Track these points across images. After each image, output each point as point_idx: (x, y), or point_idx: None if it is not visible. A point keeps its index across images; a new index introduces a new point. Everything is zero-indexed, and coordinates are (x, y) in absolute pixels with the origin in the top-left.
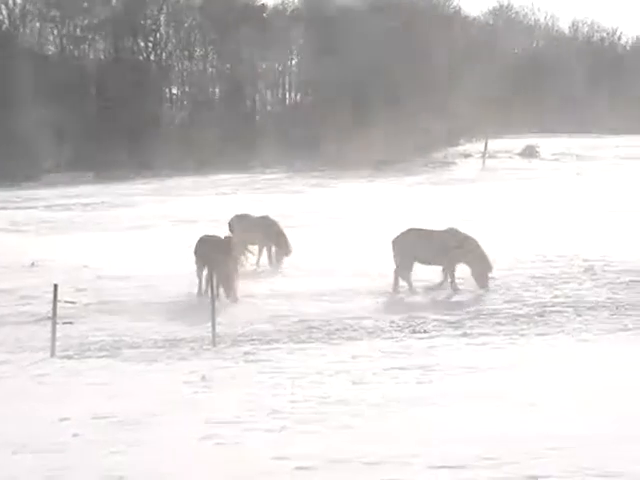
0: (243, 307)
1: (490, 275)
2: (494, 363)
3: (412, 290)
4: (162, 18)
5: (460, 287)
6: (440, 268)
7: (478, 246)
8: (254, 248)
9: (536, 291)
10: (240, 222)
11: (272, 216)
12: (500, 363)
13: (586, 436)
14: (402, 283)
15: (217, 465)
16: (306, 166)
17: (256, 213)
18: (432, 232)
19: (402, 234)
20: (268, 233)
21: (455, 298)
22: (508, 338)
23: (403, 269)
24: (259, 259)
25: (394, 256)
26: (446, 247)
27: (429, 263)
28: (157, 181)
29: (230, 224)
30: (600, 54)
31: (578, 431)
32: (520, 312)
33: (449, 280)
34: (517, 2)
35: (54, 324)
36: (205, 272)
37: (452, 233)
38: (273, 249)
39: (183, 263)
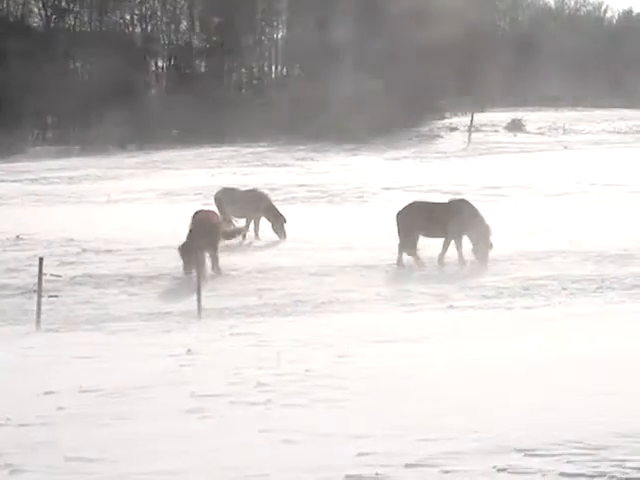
0: (229, 280)
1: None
2: (480, 335)
3: (419, 264)
4: None
5: (446, 260)
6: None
7: (483, 221)
8: (241, 221)
9: (522, 265)
10: (227, 195)
11: (260, 189)
12: (486, 335)
13: (572, 408)
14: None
15: (202, 438)
16: (291, 139)
17: (242, 186)
18: (436, 204)
19: (406, 207)
20: (257, 207)
21: (441, 271)
22: (494, 311)
23: (408, 243)
24: (245, 233)
25: (398, 230)
26: (449, 219)
27: (433, 236)
28: (142, 154)
29: (217, 197)
30: (586, 28)
31: (564, 404)
32: (506, 285)
33: (442, 252)
34: None
35: (39, 297)
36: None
37: (456, 206)
38: (261, 223)
39: (169, 236)
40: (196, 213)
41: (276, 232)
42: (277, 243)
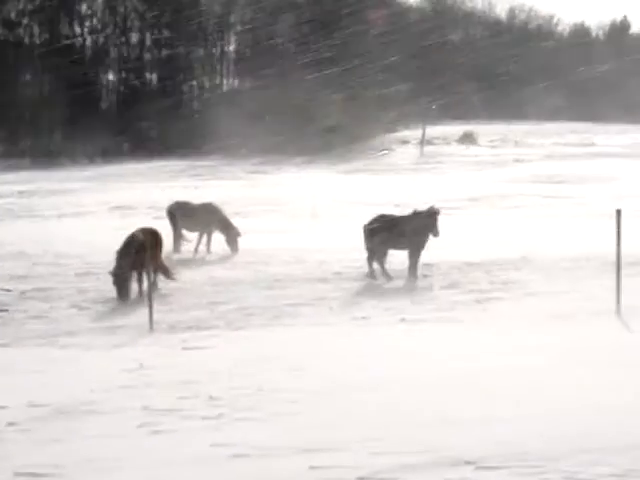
0: (181, 294)
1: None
2: (432, 349)
3: (386, 276)
4: (99, 2)
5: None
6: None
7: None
8: (193, 235)
9: (473, 277)
10: (181, 209)
11: (214, 202)
12: (439, 349)
13: (523, 421)
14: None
15: (154, 453)
16: (243, 153)
17: (194, 200)
18: (400, 217)
19: (372, 220)
20: (211, 220)
21: (393, 284)
22: (446, 324)
23: (376, 255)
24: (197, 246)
25: (365, 242)
26: (413, 231)
27: (398, 248)
28: (93, 168)
29: (170, 211)
30: (537, 41)
31: (515, 416)
32: (458, 299)
33: (411, 265)
34: None
35: None
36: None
37: (418, 216)
38: (213, 236)
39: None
40: (131, 234)
41: (229, 245)
42: (229, 257)
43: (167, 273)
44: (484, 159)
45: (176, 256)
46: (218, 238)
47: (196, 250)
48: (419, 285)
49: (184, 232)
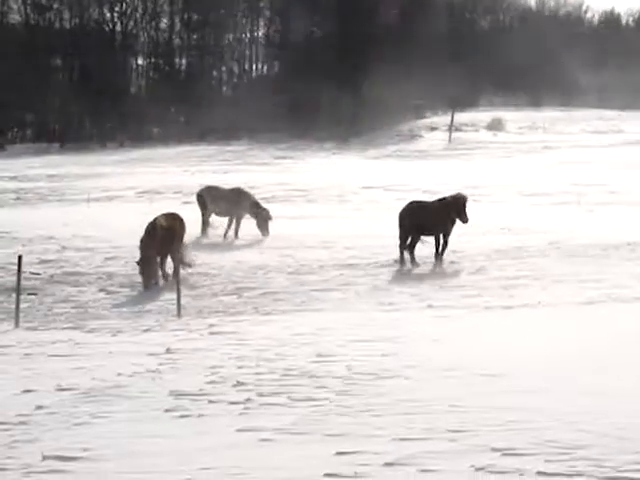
0: (208, 279)
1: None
2: (459, 335)
3: (414, 262)
4: None
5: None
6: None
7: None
8: (222, 220)
9: (501, 264)
10: (211, 193)
11: (244, 187)
12: (465, 335)
13: (550, 409)
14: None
15: (181, 437)
16: (271, 138)
17: (224, 185)
18: (429, 203)
19: (405, 206)
20: (242, 204)
21: (420, 270)
22: (473, 310)
23: (411, 241)
24: (227, 232)
25: (399, 228)
26: (439, 217)
27: (427, 234)
28: (122, 152)
29: (200, 195)
30: (567, 28)
31: (541, 404)
32: (485, 285)
33: (437, 250)
34: None
35: (18, 295)
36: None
37: (443, 203)
38: (242, 221)
39: None
40: (153, 220)
41: (260, 229)
42: (257, 242)
43: (183, 262)
44: (512, 146)
45: (205, 241)
46: (245, 223)
47: (225, 235)
48: (446, 271)
49: (211, 218)
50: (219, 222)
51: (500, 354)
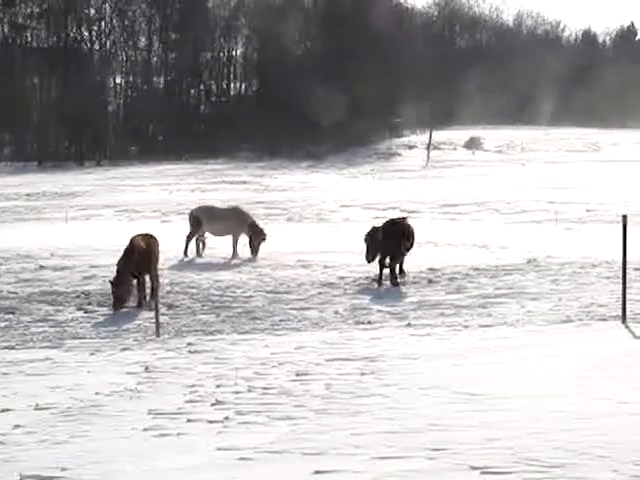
0: (187, 298)
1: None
2: (438, 354)
3: (392, 281)
4: (107, 7)
5: (403, 279)
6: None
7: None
8: (218, 239)
9: (479, 282)
10: (207, 214)
11: (241, 207)
12: (444, 354)
13: (529, 427)
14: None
15: (160, 457)
16: (249, 156)
17: (218, 204)
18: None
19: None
20: (241, 225)
21: (399, 289)
22: (451, 329)
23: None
24: (235, 250)
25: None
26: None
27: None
28: (101, 171)
29: (194, 216)
30: (544, 46)
31: (521, 422)
32: (463, 303)
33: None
34: None
35: None
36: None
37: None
38: (240, 239)
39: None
40: (131, 241)
41: (253, 248)
42: (235, 261)
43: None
44: (491, 164)
45: (183, 260)
46: (211, 241)
47: (234, 254)
48: (425, 290)
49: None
50: (212, 241)
51: (479, 373)
